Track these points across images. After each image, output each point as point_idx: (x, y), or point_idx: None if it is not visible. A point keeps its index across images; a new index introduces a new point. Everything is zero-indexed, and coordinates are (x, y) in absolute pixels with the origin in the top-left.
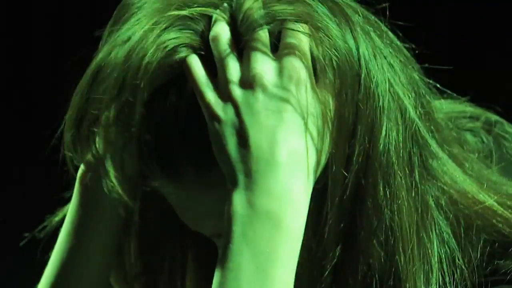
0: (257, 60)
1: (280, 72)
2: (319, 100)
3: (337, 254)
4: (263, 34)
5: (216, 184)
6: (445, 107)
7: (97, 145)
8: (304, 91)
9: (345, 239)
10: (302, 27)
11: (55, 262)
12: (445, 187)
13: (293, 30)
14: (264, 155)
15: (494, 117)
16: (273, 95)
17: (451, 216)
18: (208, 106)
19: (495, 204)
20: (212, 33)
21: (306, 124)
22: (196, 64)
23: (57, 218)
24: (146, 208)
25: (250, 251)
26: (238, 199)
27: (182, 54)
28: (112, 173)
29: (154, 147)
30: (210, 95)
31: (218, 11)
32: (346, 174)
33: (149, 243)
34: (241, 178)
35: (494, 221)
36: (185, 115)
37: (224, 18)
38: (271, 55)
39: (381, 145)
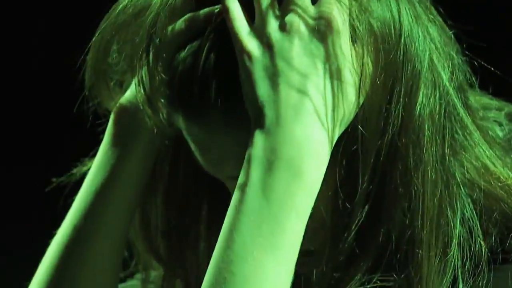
0: (296, 7)
1: (318, 20)
2: (355, 53)
3: (363, 214)
4: None
5: (240, 126)
6: (472, 99)
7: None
8: (339, 41)
9: (373, 201)
10: None
11: (82, 198)
12: (471, 160)
13: None
14: (293, 101)
15: None
16: (308, 42)
17: (473, 189)
18: (242, 47)
19: None
20: None
21: (338, 73)
22: (235, 4)
23: (85, 168)
24: (176, 165)
25: (265, 197)
26: (261, 143)
27: None
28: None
29: (180, 86)
30: (246, 37)
31: None
32: (380, 134)
33: (176, 202)
34: (267, 122)
35: (510, 201)
36: (214, 54)
37: None
38: (310, 5)
39: (417, 110)
